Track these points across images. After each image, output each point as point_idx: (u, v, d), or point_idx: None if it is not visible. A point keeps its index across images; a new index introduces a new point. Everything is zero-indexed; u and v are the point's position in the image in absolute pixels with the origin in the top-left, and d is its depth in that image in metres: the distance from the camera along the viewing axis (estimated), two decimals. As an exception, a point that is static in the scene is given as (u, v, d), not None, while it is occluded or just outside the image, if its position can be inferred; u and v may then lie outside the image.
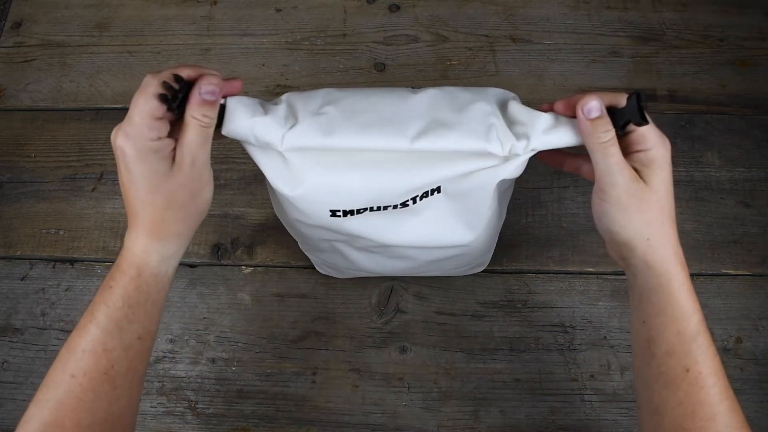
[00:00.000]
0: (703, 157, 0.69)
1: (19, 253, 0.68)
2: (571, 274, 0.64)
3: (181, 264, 0.66)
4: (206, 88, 0.38)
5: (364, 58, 0.76)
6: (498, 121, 0.41)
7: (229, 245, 0.67)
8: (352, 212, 0.45)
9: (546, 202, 0.67)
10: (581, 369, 0.60)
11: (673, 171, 0.68)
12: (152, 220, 0.39)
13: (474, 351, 0.62)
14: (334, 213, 0.45)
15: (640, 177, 0.40)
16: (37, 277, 0.66)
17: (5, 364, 0.63)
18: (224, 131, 0.41)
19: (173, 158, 0.39)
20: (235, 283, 0.65)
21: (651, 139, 0.40)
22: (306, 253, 0.60)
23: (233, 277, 0.65)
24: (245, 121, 0.40)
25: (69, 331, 0.63)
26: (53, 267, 0.67)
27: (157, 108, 0.37)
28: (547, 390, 0.60)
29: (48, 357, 0.63)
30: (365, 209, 0.45)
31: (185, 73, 0.38)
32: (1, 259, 0.68)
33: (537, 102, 0.72)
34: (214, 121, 0.39)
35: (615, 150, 0.40)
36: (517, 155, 0.42)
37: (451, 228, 0.48)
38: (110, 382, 0.38)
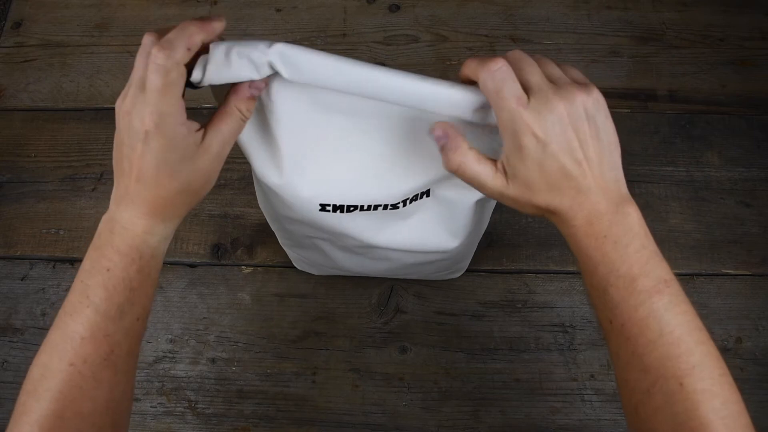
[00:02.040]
0: (703, 157, 0.69)
1: (19, 253, 0.68)
2: (571, 274, 0.64)
3: (181, 264, 0.66)
4: (257, 84, 0.37)
5: (364, 58, 0.75)
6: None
7: (229, 245, 0.67)
8: (342, 208, 0.44)
9: (546, 202, 0.67)
10: (581, 369, 0.60)
11: (673, 171, 0.69)
12: (162, 201, 0.38)
13: (474, 351, 0.62)
14: (323, 207, 0.44)
15: (507, 174, 0.37)
16: (37, 277, 0.66)
17: (5, 364, 0.63)
18: (206, 79, 0.37)
19: (199, 141, 0.37)
20: (235, 283, 0.65)
21: (502, 130, 0.36)
22: (285, 249, 0.60)
23: (233, 277, 0.65)
24: (224, 51, 0.36)
25: (69, 331, 0.63)
26: (53, 267, 0.67)
27: (182, 91, 0.36)
28: (547, 390, 0.60)
29: (48, 357, 0.63)
30: (356, 207, 0.44)
31: (199, 39, 0.35)
32: (1, 259, 0.68)
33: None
34: (251, 114, 0.39)
35: (467, 169, 0.37)
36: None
37: (437, 234, 0.48)
38: (111, 368, 0.37)
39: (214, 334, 0.63)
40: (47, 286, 0.66)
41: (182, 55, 0.35)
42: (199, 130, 0.37)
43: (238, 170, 0.70)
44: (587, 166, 0.36)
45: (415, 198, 0.45)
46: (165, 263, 0.66)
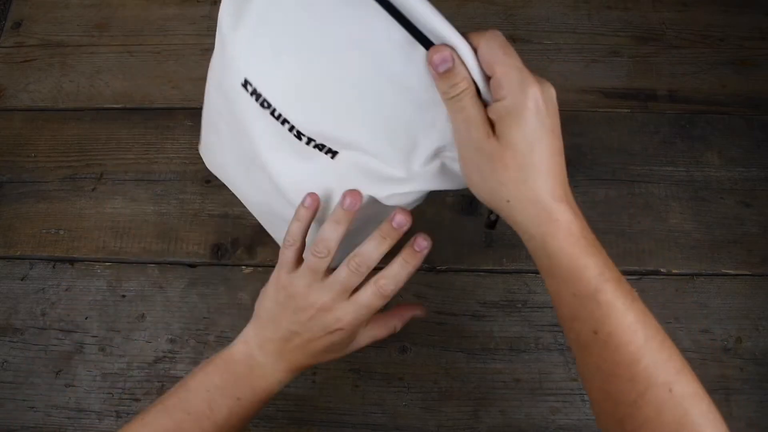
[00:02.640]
0: (703, 157, 0.69)
1: (19, 253, 0.68)
2: (571, 274, 0.64)
3: (181, 264, 0.66)
4: (414, 312, 0.52)
5: (364, 58, 0.76)
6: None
7: (229, 245, 0.67)
8: (259, 98, 0.42)
9: (546, 202, 0.67)
10: (581, 369, 0.60)
11: (673, 171, 0.69)
12: (306, 366, 0.47)
13: (474, 351, 0.62)
14: (246, 83, 0.42)
15: (496, 131, 0.35)
16: (37, 277, 0.66)
17: (5, 364, 0.63)
18: None
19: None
20: (235, 283, 0.65)
21: (506, 85, 0.34)
22: (202, 137, 0.58)
23: (233, 277, 0.65)
24: None
25: (69, 331, 0.63)
26: (53, 267, 0.67)
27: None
28: (547, 390, 0.60)
29: (48, 357, 0.63)
30: (270, 106, 0.42)
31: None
32: (1, 259, 0.68)
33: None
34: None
35: (466, 104, 0.35)
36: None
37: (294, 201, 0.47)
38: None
39: (214, 334, 0.63)
40: (47, 286, 0.66)
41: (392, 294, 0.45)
42: None
43: (238, 170, 0.70)
44: (555, 163, 0.36)
45: (320, 147, 0.43)
46: (165, 263, 0.66)
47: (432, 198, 0.47)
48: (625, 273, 0.63)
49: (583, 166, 0.69)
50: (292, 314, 0.45)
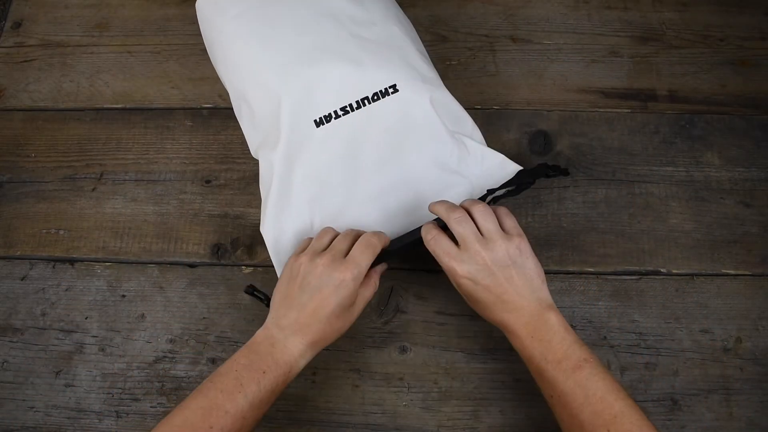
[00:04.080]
0: (703, 157, 0.69)
1: (19, 253, 0.68)
2: (571, 274, 0.64)
3: (181, 264, 0.66)
4: (383, 268, 0.59)
5: (364, 58, 0.76)
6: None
7: (229, 245, 0.67)
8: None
9: (546, 202, 0.67)
10: (581, 369, 0.60)
11: (673, 171, 0.69)
12: (321, 335, 0.52)
13: (474, 351, 0.62)
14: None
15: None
16: (37, 277, 0.66)
17: (5, 364, 0.63)
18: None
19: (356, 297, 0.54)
20: (235, 283, 0.65)
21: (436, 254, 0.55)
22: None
23: (233, 277, 0.65)
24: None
25: (69, 331, 0.63)
26: (53, 267, 0.67)
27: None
28: (547, 390, 0.60)
29: (48, 357, 0.63)
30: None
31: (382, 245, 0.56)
32: (1, 259, 0.68)
33: (537, 102, 0.72)
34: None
35: (442, 263, 0.55)
36: None
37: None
38: None
39: (214, 334, 0.63)
40: (47, 286, 0.66)
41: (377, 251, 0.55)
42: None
43: (238, 170, 0.70)
44: (514, 294, 0.51)
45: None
46: (165, 263, 0.66)
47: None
48: (625, 273, 0.64)
49: (583, 166, 0.69)
50: (301, 282, 0.53)
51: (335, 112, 0.57)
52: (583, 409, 0.46)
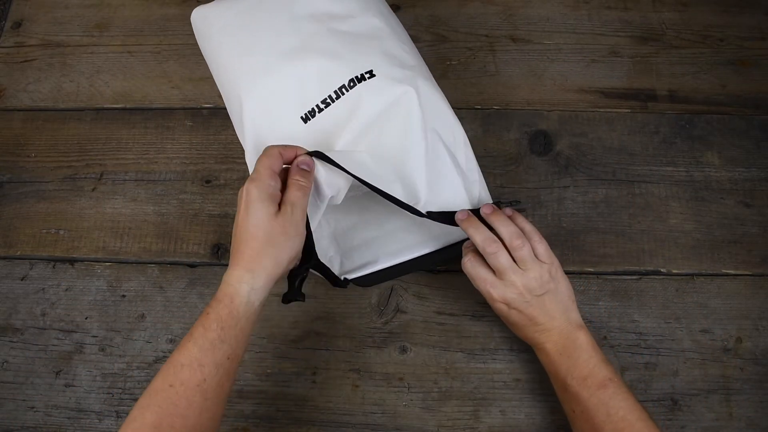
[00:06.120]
0: (703, 157, 0.69)
1: (19, 253, 0.68)
2: (571, 274, 0.64)
3: (181, 264, 0.66)
4: (302, 160, 0.52)
5: (364, 58, 0.76)
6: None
7: (229, 245, 0.67)
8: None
9: (546, 202, 0.67)
10: (581, 369, 0.60)
11: (673, 171, 0.69)
12: (251, 253, 0.49)
13: (474, 351, 0.62)
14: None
15: None
16: (37, 277, 0.66)
17: (5, 364, 0.63)
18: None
19: (279, 207, 0.50)
20: (235, 283, 0.65)
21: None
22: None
23: (233, 277, 0.65)
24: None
25: (69, 331, 0.63)
26: (53, 267, 0.67)
27: (276, 164, 0.50)
28: (547, 390, 0.59)
29: (48, 357, 0.63)
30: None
31: (292, 152, 0.52)
32: (1, 259, 0.68)
33: (537, 102, 0.72)
34: (311, 184, 0.51)
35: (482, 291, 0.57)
36: None
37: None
38: (202, 394, 0.45)
39: (214, 334, 0.63)
40: (47, 286, 0.66)
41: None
42: (280, 197, 0.51)
43: (238, 170, 0.70)
44: (545, 316, 0.54)
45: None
46: (165, 263, 0.66)
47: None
48: (625, 273, 0.64)
49: (583, 166, 0.69)
50: (239, 219, 0.50)
51: (317, 106, 0.57)
52: (605, 426, 0.49)
